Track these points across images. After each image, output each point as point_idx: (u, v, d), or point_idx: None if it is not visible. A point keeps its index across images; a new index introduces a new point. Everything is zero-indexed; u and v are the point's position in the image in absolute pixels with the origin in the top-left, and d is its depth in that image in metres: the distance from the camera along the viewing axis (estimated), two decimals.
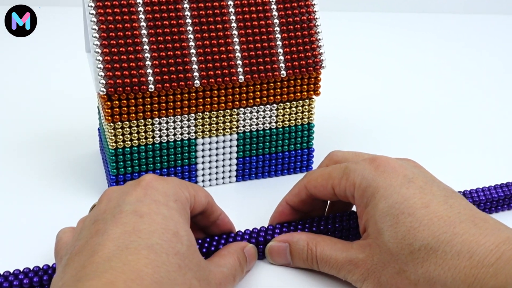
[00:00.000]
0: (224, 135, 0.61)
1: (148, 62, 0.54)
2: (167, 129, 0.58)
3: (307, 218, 0.55)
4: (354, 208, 0.55)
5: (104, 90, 0.53)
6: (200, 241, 0.51)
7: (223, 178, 0.63)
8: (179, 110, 0.57)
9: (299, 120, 0.63)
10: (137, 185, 0.44)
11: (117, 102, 0.55)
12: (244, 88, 0.59)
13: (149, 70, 0.54)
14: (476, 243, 0.42)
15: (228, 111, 0.59)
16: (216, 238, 0.52)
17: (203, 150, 0.60)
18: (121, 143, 0.57)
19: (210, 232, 0.52)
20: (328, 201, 0.56)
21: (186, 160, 0.60)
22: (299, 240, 0.50)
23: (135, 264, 0.38)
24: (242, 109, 0.60)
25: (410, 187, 0.46)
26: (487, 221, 0.44)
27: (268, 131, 0.62)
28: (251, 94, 0.59)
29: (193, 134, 0.59)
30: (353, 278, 0.47)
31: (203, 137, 0.60)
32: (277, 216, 0.54)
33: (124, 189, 0.45)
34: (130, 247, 0.39)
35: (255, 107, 0.60)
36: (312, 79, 0.61)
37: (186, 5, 0.56)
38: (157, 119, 0.57)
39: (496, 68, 1.00)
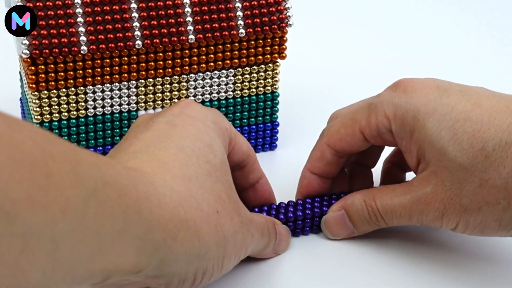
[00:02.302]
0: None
1: (80, 19, 0.54)
2: (103, 99, 0.57)
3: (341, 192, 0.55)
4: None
5: (28, 52, 0.53)
6: None
7: None
8: (117, 76, 0.57)
9: (261, 89, 0.63)
10: (175, 105, 0.48)
11: (43, 66, 0.54)
12: (195, 49, 0.58)
13: (81, 29, 0.54)
14: None
15: (176, 77, 0.59)
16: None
17: None
18: (48, 116, 0.56)
19: (245, 199, 0.52)
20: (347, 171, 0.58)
21: None
22: (354, 201, 0.52)
23: (162, 157, 0.42)
24: (192, 75, 0.60)
25: (451, 95, 0.48)
26: None
27: (224, 101, 0.62)
28: (204, 57, 0.59)
29: (134, 106, 0.59)
30: (428, 218, 0.48)
31: (146, 109, 0.59)
32: (304, 190, 0.55)
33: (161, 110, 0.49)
34: (158, 146, 0.43)
35: (209, 73, 0.60)
36: (277, 39, 0.61)
37: None
38: (90, 87, 0.56)
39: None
